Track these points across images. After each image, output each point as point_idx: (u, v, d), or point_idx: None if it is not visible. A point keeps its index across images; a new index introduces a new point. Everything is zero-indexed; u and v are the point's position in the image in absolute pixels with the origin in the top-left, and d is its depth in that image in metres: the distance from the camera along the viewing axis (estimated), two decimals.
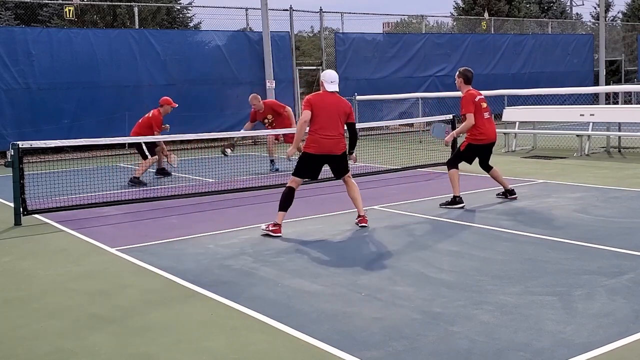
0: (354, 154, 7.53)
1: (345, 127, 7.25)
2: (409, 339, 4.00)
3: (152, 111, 11.34)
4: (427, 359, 3.72)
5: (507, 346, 3.84)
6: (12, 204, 8.33)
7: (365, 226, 7.28)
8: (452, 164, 8.37)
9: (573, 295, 4.70)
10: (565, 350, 3.74)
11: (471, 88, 8.27)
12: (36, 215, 8.35)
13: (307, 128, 7.18)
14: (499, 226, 7.04)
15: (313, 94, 7.31)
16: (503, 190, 8.66)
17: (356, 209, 7.41)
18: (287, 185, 7.17)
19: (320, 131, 7.04)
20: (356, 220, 7.43)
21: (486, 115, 8.25)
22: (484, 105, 8.27)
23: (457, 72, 8.42)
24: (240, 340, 4.14)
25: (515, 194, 8.62)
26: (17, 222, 8.02)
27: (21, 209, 8.07)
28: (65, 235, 7.49)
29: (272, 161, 12.35)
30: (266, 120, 12.34)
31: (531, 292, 4.80)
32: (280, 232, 6.93)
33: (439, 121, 11.46)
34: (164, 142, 11.61)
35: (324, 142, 7.06)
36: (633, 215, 7.41)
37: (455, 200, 8.14)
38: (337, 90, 7.22)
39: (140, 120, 11.41)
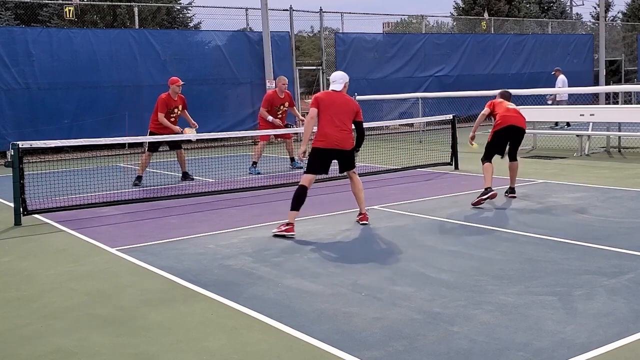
0: (359, 151, 7.57)
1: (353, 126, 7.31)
2: (409, 339, 4.00)
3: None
4: (427, 359, 3.72)
5: (507, 346, 3.84)
6: (12, 204, 8.33)
7: (366, 224, 7.29)
8: (485, 157, 8.58)
9: (573, 295, 4.70)
10: (565, 350, 3.74)
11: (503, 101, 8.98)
12: (36, 215, 8.35)
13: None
14: (499, 226, 7.04)
15: (321, 92, 7.41)
16: (510, 187, 8.83)
17: (358, 207, 7.44)
18: (300, 183, 7.11)
19: (327, 126, 7.08)
20: (357, 218, 7.46)
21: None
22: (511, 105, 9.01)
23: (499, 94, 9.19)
24: (240, 340, 4.14)
25: (514, 192, 8.77)
26: (17, 222, 8.02)
27: (21, 209, 8.07)
28: (65, 235, 7.49)
29: (254, 163, 12.06)
30: (282, 107, 12.12)
31: (531, 292, 4.80)
32: (293, 231, 6.88)
33: None
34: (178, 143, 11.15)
35: (332, 135, 7.07)
36: (633, 215, 7.41)
37: (486, 191, 8.24)
38: (340, 89, 7.24)
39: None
